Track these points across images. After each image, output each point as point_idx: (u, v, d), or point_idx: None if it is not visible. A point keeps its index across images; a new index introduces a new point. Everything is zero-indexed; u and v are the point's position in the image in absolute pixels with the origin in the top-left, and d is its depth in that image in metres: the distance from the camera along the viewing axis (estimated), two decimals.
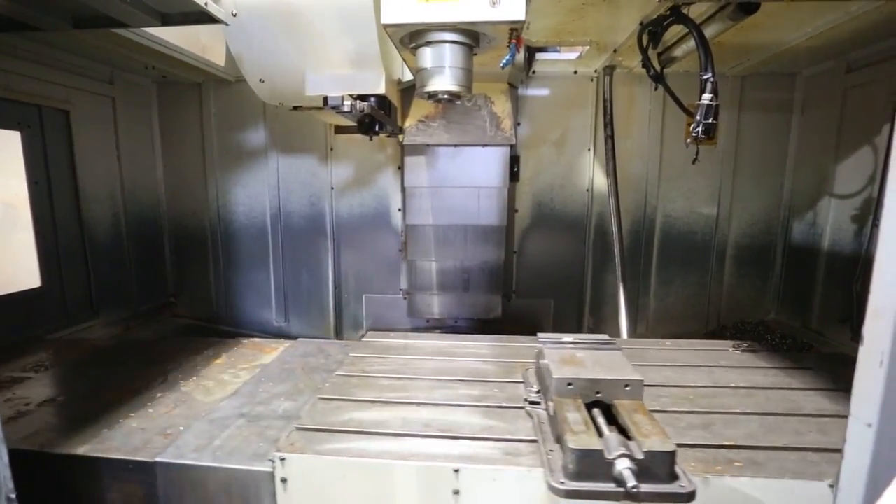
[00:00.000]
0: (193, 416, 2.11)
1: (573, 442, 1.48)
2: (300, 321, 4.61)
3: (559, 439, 1.66)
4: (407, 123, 3.75)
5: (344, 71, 2.58)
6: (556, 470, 1.54)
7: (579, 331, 4.43)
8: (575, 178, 4.28)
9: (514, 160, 4.17)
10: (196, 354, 2.82)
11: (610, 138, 3.73)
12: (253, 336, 3.74)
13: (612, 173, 3.70)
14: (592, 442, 1.49)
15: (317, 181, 4.38)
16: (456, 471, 1.66)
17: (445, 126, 3.74)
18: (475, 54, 2.09)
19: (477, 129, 3.73)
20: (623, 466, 1.40)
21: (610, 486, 1.44)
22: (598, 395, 1.75)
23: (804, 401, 2.16)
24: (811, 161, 3.91)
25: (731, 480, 1.60)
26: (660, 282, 4.40)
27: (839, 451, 1.20)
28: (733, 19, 2.34)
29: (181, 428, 2.01)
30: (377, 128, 3.06)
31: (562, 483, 1.48)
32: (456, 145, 3.81)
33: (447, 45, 1.98)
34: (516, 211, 4.32)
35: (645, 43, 2.76)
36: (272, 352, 2.88)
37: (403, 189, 4.08)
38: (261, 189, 4.42)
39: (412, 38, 2.03)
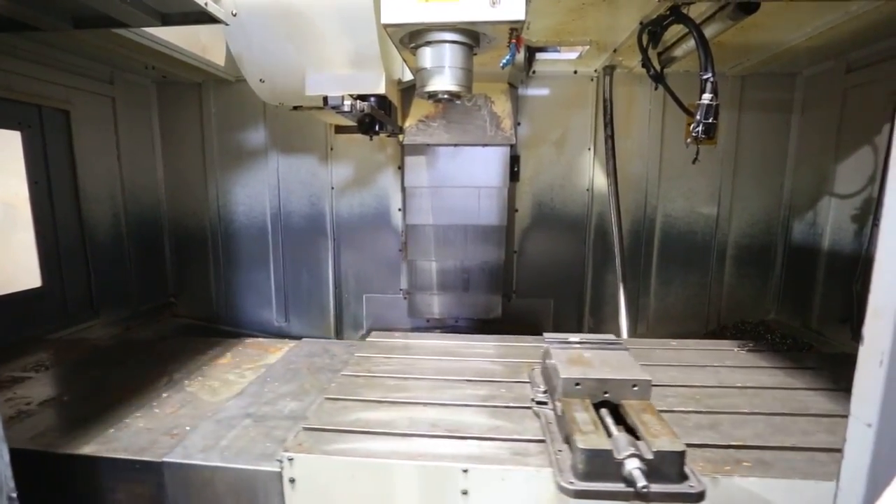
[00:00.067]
0: (200, 416, 2.10)
1: (582, 442, 1.48)
2: (300, 321, 4.61)
3: (568, 439, 1.65)
4: (407, 123, 3.75)
5: (344, 71, 2.58)
6: (565, 470, 1.54)
7: (579, 331, 4.43)
8: (575, 177, 4.28)
9: (515, 160, 4.17)
10: (200, 354, 2.82)
11: (610, 138, 3.73)
12: (253, 336, 3.74)
13: (613, 173, 3.70)
14: (602, 442, 1.49)
15: (317, 181, 4.38)
16: (465, 471, 1.66)
17: (445, 126, 3.74)
18: (475, 54, 2.09)
19: (477, 129, 3.73)
20: (633, 466, 1.40)
21: (619, 487, 1.43)
22: (606, 395, 1.75)
23: (811, 401, 2.15)
24: (811, 161, 3.91)
25: (740, 480, 1.60)
26: (660, 282, 4.40)
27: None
28: (733, 19, 2.34)
29: (188, 428, 2.01)
30: (377, 128, 3.06)
31: (571, 483, 1.48)
32: (456, 145, 3.81)
33: (447, 44, 1.98)
34: (516, 211, 4.32)
35: (645, 43, 2.76)
36: (277, 352, 2.88)
37: (403, 189, 4.08)
38: (261, 189, 4.42)
39: (412, 37, 2.03)
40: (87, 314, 3.74)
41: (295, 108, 3.06)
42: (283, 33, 2.42)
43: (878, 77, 3.26)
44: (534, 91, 4.20)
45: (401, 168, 4.14)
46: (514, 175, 4.18)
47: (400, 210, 4.32)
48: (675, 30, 2.58)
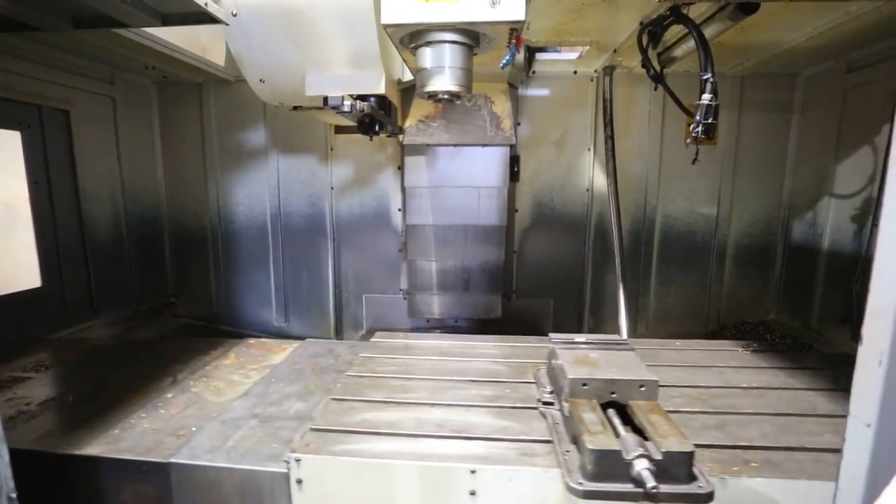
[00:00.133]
0: (205, 417, 2.10)
1: (591, 442, 1.48)
2: (300, 321, 4.61)
3: (575, 440, 1.66)
4: (407, 123, 3.75)
5: (344, 71, 2.58)
6: (573, 470, 1.54)
7: (579, 331, 4.43)
8: (575, 178, 4.29)
9: (514, 160, 4.17)
10: (204, 355, 2.82)
11: (610, 138, 3.73)
12: (254, 336, 3.74)
13: (612, 173, 3.70)
14: (610, 442, 1.49)
15: (317, 181, 4.38)
16: (472, 471, 1.66)
17: (445, 126, 3.74)
18: (475, 54, 2.10)
19: (477, 129, 3.73)
20: (642, 467, 1.40)
21: (628, 487, 1.43)
22: (613, 396, 1.75)
23: (816, 401, 2.15)
24: (811, 161, 3.91)
25: (748, 481, 1.59)
26: (660, 282, 4.40)
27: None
28: (733, 19, 2.34)
29: (193, 429, 2.00)
30: (377, 128, 3.06)
31: (580, 484, 1.48)
32: (456, 145, 3.81)
33: (447, 45, 1.98)
34: (516, 211, 4.32)
35: (645, 43, 2.76)
36: (281, 352, 2.88)
37: (403, 189, 4.08)
38: (261, 189, 4.42)
39: (412, 38, 2.03)
40: (87, 314, 3.74)
41: (295, 108, 3.06)
42: (283, 33, 2.43)
43: (878, 77, 3.26)
44: (534, 91, 4.20)
45: (401, 168, 4.14)
46: (513, 175, 4.18)
47: (400, 210, 4.32)
48: (675, 30, 2.57)
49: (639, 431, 1.59)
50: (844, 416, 1.98)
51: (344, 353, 2.85)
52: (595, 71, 4.05)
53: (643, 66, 2.90)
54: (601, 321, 4.46)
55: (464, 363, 2.57)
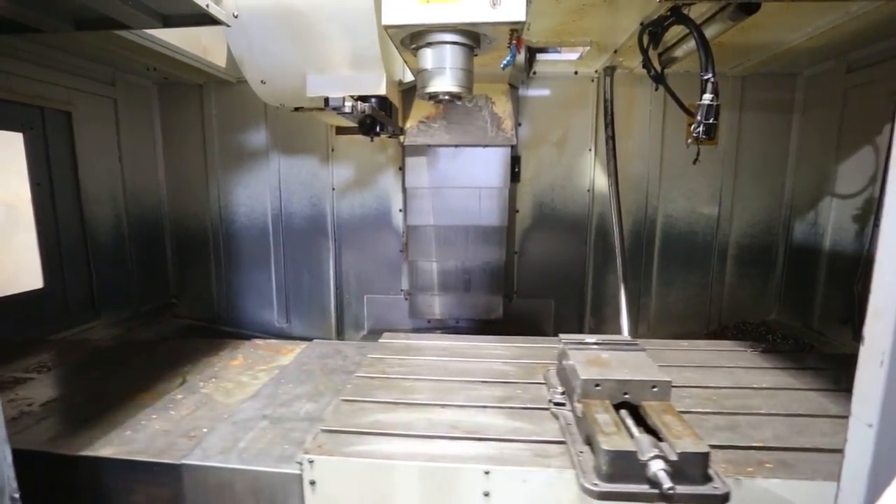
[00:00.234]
0: (216, 418, 2.10)
1: (606, 443, 1.48)
2: (301, 322, 4.61)
3: (589, 441, 1.65)
4: (408, 124, 3.75)
5: (345, 72, 2.58)
6: (587, 471, 1.54)
7: (580, 331, 4.42)
8: (576, 178, 4.29)
9: (515, 160, 4.17)
10: (212, 356, 2.82)
11: (611, 139, 3.73)
12: (255, 337, 3.74)
13: (613, 173, 3.70)
14: (625, 443, 1.49)
15: (318, 182, 4.38)
16: (486, 472, 1.65)
17: (446, 127, 3.75)
18: (476, 55, 2.10)
19: (478, 130, 3.73)
20: (658, 468, 1.40)
21: (644, 488, 1.43)
22: (626, 397, 1.74)
23: (828, 402, 2.14)
24: (812, 161, 3.91)
25: (763, 482, 1.59)
26: (661, 282, 4.39)
27: None
28: (734, 20, 2.34)
29: (205, 430, 2.00)
30: (378, 129, 3.06)
31: (595, 484, 1.47)
32: (457, 146, 3.82)
33: (448, 45, 1.98)
34: (517, 211, 4.32)
35: (645, 43, 2.76)
36: (289, 353, 2.88)
37: (404, 189, 4.08)
38: (262, 190, 4.43)
39: (413, 39, 2.03)
40: (89, 315, 3.75)
41: (296, 109, 3.06)
42: (284, 35, 2.43)
43: (878, 77, 3.26)
44: (534, 92, 4.20)
45: (402, 169, 4.14)
46: (514, 176, 4.18)
47: (401, 211, 4.32)
48: (676, 30, 2.57)
49: (652, 432, 1.58)
50: None
51: (352, 353, 2.85)
52: (596, 71, 4.06)
53: (644, 66, 2.90)
54: (602, 321, 4.46)
55: (472, 364, 2.56)
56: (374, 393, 2.20)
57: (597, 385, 1.75)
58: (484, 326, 4.18)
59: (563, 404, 1.99)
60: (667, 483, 1.36)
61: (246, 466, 1.76)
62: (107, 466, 1.82)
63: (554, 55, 3.86)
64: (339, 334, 4.60)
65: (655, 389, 1.73)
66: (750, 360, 2.66)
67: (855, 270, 3.35)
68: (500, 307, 4.12)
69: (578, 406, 1.76)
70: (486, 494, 1.66)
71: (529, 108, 4.21)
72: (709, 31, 2.39)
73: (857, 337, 1.10)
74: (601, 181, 4.19)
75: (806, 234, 3.97)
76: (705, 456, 1.44)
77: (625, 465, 1.45)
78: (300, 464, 1.72)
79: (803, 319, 3.95)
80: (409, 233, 4.09)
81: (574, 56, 3.77)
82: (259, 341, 3.11)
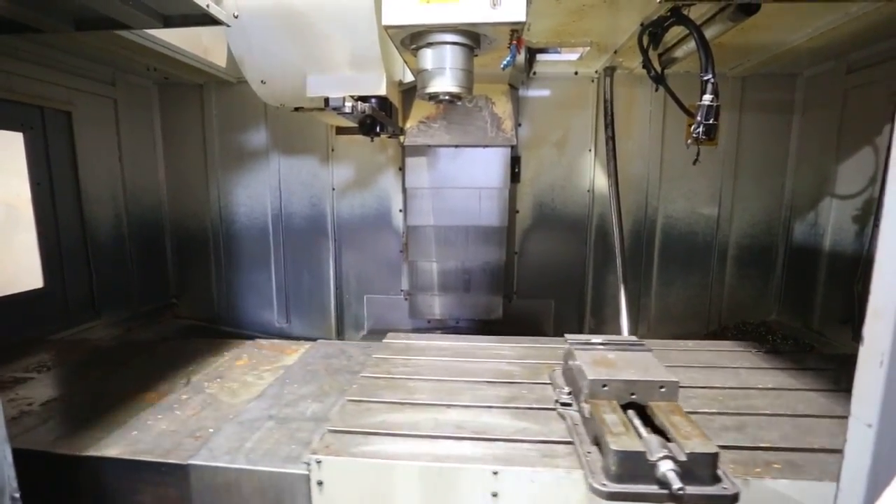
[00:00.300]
0: (221, 418, 2.10)
1: (615, 444, 1.47)
2: (301, 322, 4.61)
3: (597, 441, 1.65)
4: (408, 124, 3.75)
5: (345, 72, 2.58)
6: (596, 472, 1.53)
7: (580, 331, 4.42)
8: (576, 178, 4.29)
9: (515, 161, 4.17)
10: (216, 356, 2.82)
11: (611, 139, 3.73)
12: (255, 337, 3.74)
13: (613, 174, 3.70)
14: (634, 444, 1.48)
15: (318, 182, 4.39)
16: (495, 473, 1.65)
17: (446, 127, 3.75)
18: (476, 55, 2.10)
19: (478, 130, 3.74)
20: (667, 468, 1.39)
21: (653, 488, 1.43)
22: (633, 397, 1.74)
23: (834, 402, 2.14)
24: (812, 161, 3.91)
25: (772, 483, 1.58)
26: (661, 282, 4.39)
27: None
28: (734, 20, 2.34)
29: (211, 430, 2.00)
30: (378, 129, 3.06)
31: (604, 485, 1.47)
32: (457, 146, 3.82)
33: (448, 46, 1.99)
34: (517, 212, 4.32)
35: (645, 44, 2.76)
36: (293, 353, 2.88)
37: (404, 190, 4.08)
38: (262, 190, 4.43)
39: (413, 39, 2.03)
40: (89, 315, 3.75)
41: (296, 109, 3.06)
42: (284, 35, 2.43)
43: (878, 78, 3.26)
44: (534, 92, 4.20)
45: (402, 169, 4.14)
46: (514, 176, 4.18)
47: (401, 211, 4.32)
48: (676, 31, 2.57)
49: (659, 432, 1.58)
50: None
51: (356, 354, 2.84)
52: (596, 72, 4.06)
53: (644, 66, 2.90)
54: (602, 322, 4.46)
55: (477, 364, 2.56)
56: (379, 393, 2.20)
57: (604, 385, 1.75)
58: (484, 327, 4.18)
59: (569, 405, 1.99)
60: (676, 483, 1.36)
61: (253, 467, 1.75)
62: (113, 466, 1.82)
63: (554, 56, 3.86)
64: (339, 334, 4.60)
65: (663, 390, 1.73)
66: (754, 360, 2.65)
67: (855, 271, 3.36)
68: (499, 307, 4.13)
69: (586, 406, 1.76)
70: (495, 495, 1.66)
71: (529, 108, 4.21)
72: (709, 32, 2.40)
73: (857, 337, 1.10)
74: (601, 181, 4.20)
75: (806, 234, 3.97)
76: (714, 456, 1.44)
77: (634, 466, 1.44)
78: (307, 464, 1.71)
79: (803, 320, 3.96)
80: (409, 233, 4.10)
81: (574, 56, 3.77)
82: (263, 341, 3.11)
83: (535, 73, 4.10)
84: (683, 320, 4.40)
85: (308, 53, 2.51)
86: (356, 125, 3.01)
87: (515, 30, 1.90)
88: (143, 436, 1.96)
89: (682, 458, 1.42)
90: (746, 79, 4.03)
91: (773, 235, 4.25)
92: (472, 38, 2.00)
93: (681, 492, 1.35)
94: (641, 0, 2.47)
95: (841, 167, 3.57)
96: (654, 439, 1.49)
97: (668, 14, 2.38)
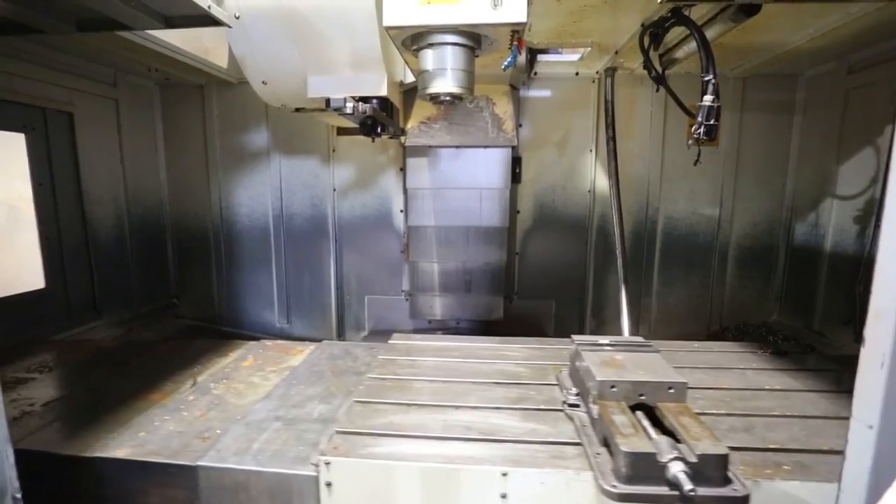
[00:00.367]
0: (228, 419, 2.10)
1: (625, 445, 1.47)
2: (302, 322, 4.62)
3: (606, 442, 1.65)
4: (409, 125, 3.75)
5: (346, 73, 2.58)
6: (606, 473, 1.53)
7: (581, 332, 4.42)
8: (577, 179, 4.29)
9: (516, 161, 4.17)
10: (221, 357, 2.83)
11: (611, 139, 3.73)
12: (256, 338, 3.75)
13: (614, 174, 3.70)
14: (644, 445, 1.48)
15: (319, 183, 4.39)
16: (504, 474, 1.65)
17: (447, 128, 3.75)
18: (477, 56, 2.10)
19: (479, 131, 3.74)
20: (678, 469, 1.39)
21: (663, 490, 1.42)
22: (642, 398, 1.74)
23: (841, 404, 2.14)
24: (813, 162, 3.91)
25: (782, 484, 1.58)
26: (662, 283, 4.39)
27: None
28: (734, 21, 2.34)
29: (218, 431, 2.00)
30: (379, 129, 3.06)
31: (614, 486, 1.47)
32: (458, 147, 3.82)
33: (449, 47, 1.99)
34: (518, 212, 4.32)
35: (646, 44, 2.76)
36: (299, 354, 2.88)
37: (405, 190, 4.08)
38: (263, 190, 4.43)
39: (414, 40, 2.03)
40: (91, 315, 3.75)
41: (297, 109, 3.07)
42: (285, 36, 2.43)
43: (879, 78, 3.26)
44: (535, 93, 4.20)
45: (402, 170, 4.15)
46: (515, 176, 4.18)
47: (402, 211, 4.32)
48: (677, 31, 2.57)
49: (669, 433, 1.57)
50: None
51: (362, 355, 2.85)
52: (596, 72, 4.06)
53: (645, 67, 2.90)
54: (603, 322, 4.46)
55: (483, 365, 2.56)
56: (386, 394, 2.20)
57: (612, 387, 1.75)
58: (484, 327, 4.18)
59: (577, 406, 1.99)
60: (687, 485, 1.36)
61: (261, 468, 1.75)
62: (121, 468, 1.82)
63: (555, 56, 3.86)
64: (340, 335, 4.60)
65: (672, 391, 1.73)
66: (760, 361, 2.65)
67: (856, 272, 3.35)
68: (500, 308, 4.12)
69: (594, 407, 1.76)
70: (504, 496, 1.65)
71: (530, 108, 4.21)
72: (710, 33, 2.39)
73: (859, 338, 1.10)
74: (602, 182, 4.19)
75: (807, 235, 3.97)
76: (725, 457, 1.44)
77: (644, 467, 1.44)
78: (316, 465, 1.72)
79: (804, 321, 3.95)
80: (409, 233, 4.10)
81: (575, 57, 3.77)
82: (268, 342, 3.11)
83: (535, 74, 4.10)
84: (684, 321, 4.39)
85: (309, 54, 2.52)
86: (357, 126, 3.01)
87: (516, 30, 1.90)
88: (151, 437, 1.96)
89: (693, 459, 1.42)
90: (747, 79, 4.02)
91: (774, 236, 4.25)
92: (473, 39, 2.00)
93: (692, 493, 1.35)
94: (642, 0, 2.47)
95: (842, 168, 3.57)
96: (664, 440, 1.49)
97: (669, 14, 2.38)
